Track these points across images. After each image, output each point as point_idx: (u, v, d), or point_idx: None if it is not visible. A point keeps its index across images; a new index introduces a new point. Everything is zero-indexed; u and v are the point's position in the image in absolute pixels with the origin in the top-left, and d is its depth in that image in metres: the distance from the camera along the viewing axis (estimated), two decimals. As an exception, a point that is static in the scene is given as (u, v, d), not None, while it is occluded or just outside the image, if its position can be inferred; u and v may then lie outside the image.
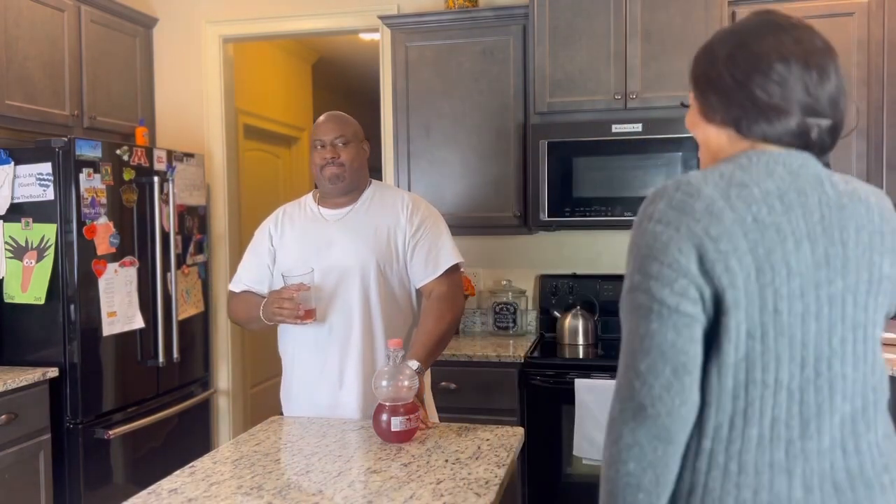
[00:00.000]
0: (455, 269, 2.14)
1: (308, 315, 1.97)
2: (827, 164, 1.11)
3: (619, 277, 3.45)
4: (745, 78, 1.08)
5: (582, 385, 2.78)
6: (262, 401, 4.63)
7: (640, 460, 1.01)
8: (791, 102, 1.07)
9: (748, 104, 1.08)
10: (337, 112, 2.21)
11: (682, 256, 1.00)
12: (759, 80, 1.07)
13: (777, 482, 1.00)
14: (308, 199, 2.25)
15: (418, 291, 2.16)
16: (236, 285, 2.26)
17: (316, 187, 2.25)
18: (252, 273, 2.23)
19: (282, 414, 2.18)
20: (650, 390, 1.00)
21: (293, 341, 2.14)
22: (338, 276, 2.07)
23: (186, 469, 1.62)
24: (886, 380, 1.11)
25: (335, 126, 2.13)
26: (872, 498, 1.03)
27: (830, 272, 1.03)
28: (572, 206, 3.06)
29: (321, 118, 2.18)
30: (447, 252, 2.13)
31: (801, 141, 1.08)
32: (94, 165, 2.99)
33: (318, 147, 2.13)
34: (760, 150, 1.09)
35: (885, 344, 3.05)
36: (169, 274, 3.39)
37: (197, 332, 3.68)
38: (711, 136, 1.15)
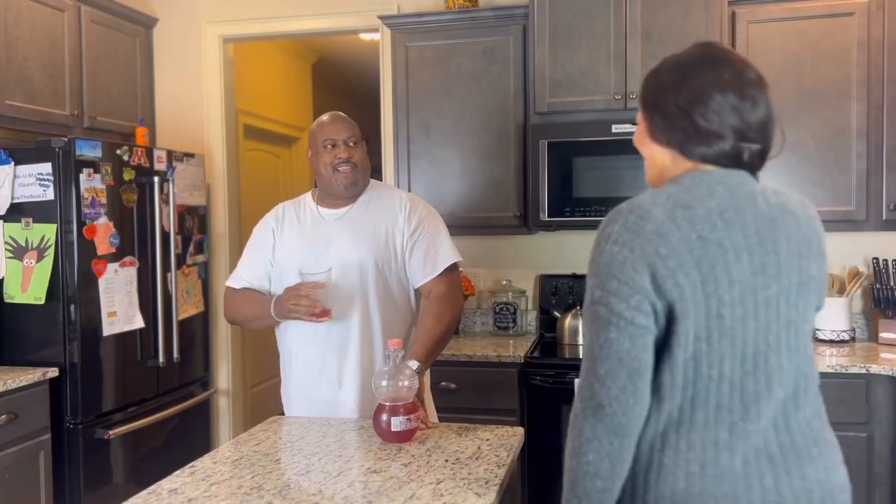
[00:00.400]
0: (454, 268, 2.14)
1: (324, 313, 1.96)
2: (756, 178, 1.30)
3: (619, 277, 3.46)
4: (688, 107, 1.24)
5: (582, 385, 2.78)
6: (262, 401, 4.63)
7: (598, 452, 1.17)
8: (726, 129, 1.23)
9: (690, 130, 1.24)
10: (339, 113, 2.19)
11: (637, 275, 1.16)
12: (701, 109, 1.23)
13: (721, 457, 1.17)
14: (307, 199, 2.23)
15: (417, 291, 2.15)
16: (236, 281, 2.22)
17: (315, 186, 2.24)
18: (254, 270, 2.20)
19: (282, 413, 2.18)
20: (608, 392, 1.16)
21: (292, 340, 2.14)
22: (336, 276, 2.07)
23: (186, 469, 1.62)
24: (815, 366, 1.29)
25: (346, 126, 2.12)
26: (802, 467, 1.20)
27: (766, 278, 1.20)
28: (572, 206, 3.05)
29: (326, 118, 2.16)
30: (445, 251, 2.13)
31: (735, 162, 1.25)
32: (94, 165, 2.99)
33: (329, 147, 2.10)
34: (702, 170, 1.25)
35: (884, 344, 3.02)
36: (169, 274, 3.39)
37: (197, 332, 3.68)
38: (657, 154, 1.31)
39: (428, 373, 2.17)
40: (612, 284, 1.18)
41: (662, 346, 1.18)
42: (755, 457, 1.18)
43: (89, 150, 2.98)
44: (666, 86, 1.28)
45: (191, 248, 3.61)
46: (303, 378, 2.12)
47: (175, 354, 3.41)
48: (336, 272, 2.07)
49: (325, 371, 2.09)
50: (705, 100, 1.23)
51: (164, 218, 3.36)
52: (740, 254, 1.18)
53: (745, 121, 1.24)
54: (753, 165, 1.28)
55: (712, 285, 1.16)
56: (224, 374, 3.99)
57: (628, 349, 1.16)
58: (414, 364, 1.89)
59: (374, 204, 2.16)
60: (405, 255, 2.11)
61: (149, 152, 3.31)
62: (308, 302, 1.94)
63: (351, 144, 2.10)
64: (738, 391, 1.18)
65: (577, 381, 1.24)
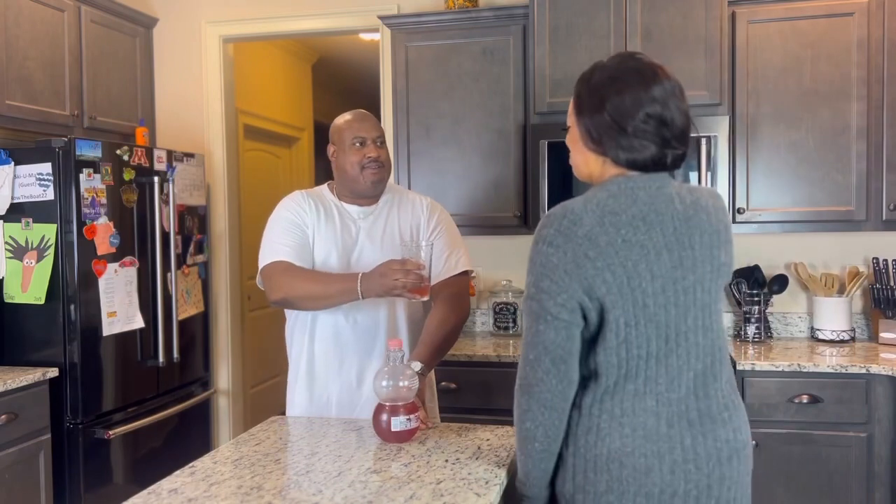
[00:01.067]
0: (464, 274, 2.15)
1: (423, 290, 1.85)
2: (673, 176, 1.48)
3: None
4: (620, 120, 1.40)
5: (582, 385, 2.78)
6: (262, 401, 4.63)
7: (533, 421, 1.40)
8: (652, 137, 1.40)
9: (621, 140, 1.41)
10: (364, 111, 2.16)
11: (567, 276, 1.36)
12: (631, 122, 1.40)
13: (649, 421, 1.38)
14: (326, 194, 2.16)
15: None
16: (278, 254, 2.00)
17: (330, 181, 2.20)
18: (299, 247, 2.03)
19: (282, 413, 2.17)
20: (535, 374, 1.38)
21: (314, 337, 2.11)
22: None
23: (186, 469, 1.62)
24: (727, 341, 1.54)
25: (374, 125, 2.10)
26: (715, 429, 1.42)
27: (683, 271, 1.40)
28: (572, 206, 3.05)
29: (352, 116, 2.11)
30: (458, 256, 2.14)
31: (659, 165, 1.43)
32: (94, 165, 2.99)
33: (357, 145, 2.06)
34: (627, 177, 1.42)
35: (884, 344, 3.03)
36: (169, 274, 3.39)
37: (197, 332, 3.68)
38: (590, 160, 1.47)
39: (433, 375, 2.17)
40: (544, 283, 1.38)
41: (597, 332, 1.39)
42: (677, 421, 1.39)
43: (89, 150, 2.98)
44: (599, 98, 1.43)
45: (191, 248, 3.61)
46: (318, 377, 2.11)
47: (175, 354, 3.41)
48: (365, 270, 2.01)
49: (343, 370, 2.08)
50: (634, 114, 1.39)
51: (164, 218, 3.36)
52: (660, 252, 1.38)
53: (669, 130, 1.41)
54: (674, 166, 1.46)
55: (636, 280, 1.36)
56: (224, 374, 3.99)
57: (553, 339, 1.37)
58: (417, 365, 1.88)
59: (396, 204, 2.17)
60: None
61: (149, 152, 3.31)
62: (416, 277, 1.79)
63: (378, 144, 2.08)
64: (664, 366, 1.39)
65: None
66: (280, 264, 1.99)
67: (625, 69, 1.45)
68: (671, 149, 1.42)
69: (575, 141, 1.50)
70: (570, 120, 1.50)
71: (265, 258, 2.03)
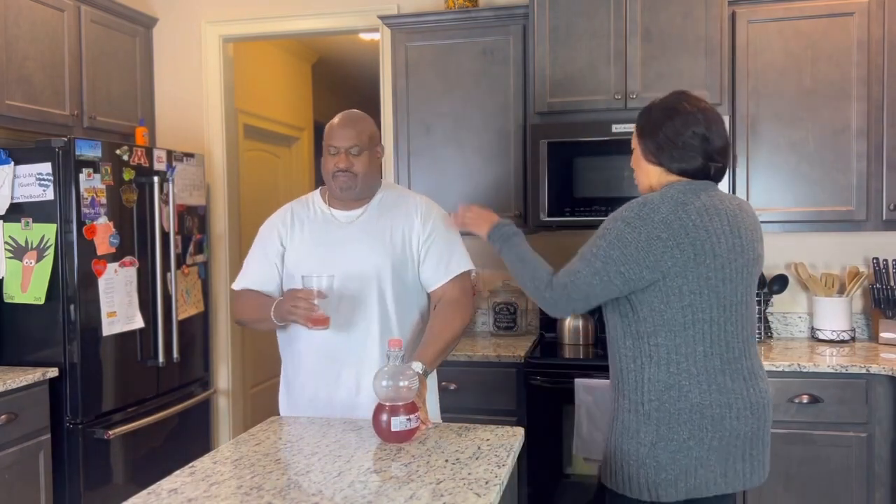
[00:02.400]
0: (466, 275, 2.12)
1: (322, 321, 1.92)
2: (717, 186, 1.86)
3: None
4: (673, 137, 1.80)
5: (582, 385, 2.78)
6: (262, 401, 4.63)
7: (532, 291, 1.89)
8: (698, 152, 1.80)
9: (674, 153, 1.81)
10: (353, 114, 2.11)
11: (636, 251, 1.72)
12: (681, 138, 1.79)
13: (718, 378, 1.74)
14: (316, 199, 2.19)
15: (429, 296, 2.14)
16: (239, 283, 2.20)
17: (323, 184, 2.21)
18: (258, 274, 2.16)
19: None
20: (569, 301, 1.81)
21: (306, 347, 2.10)
22: (353, 281, 2.04)
23: (186, 469, 1.62)
24: (756, 314, 2.06)
25: (350, 133, 2.05)
26: (758, 383, 1.80)
27: (735, 254, 1.76)
28: (572, 206, 3.05)
29: (336, 119, 2.09)
30: (459, 257, 2.11)
31: (704, 175, 1.82)
32: (93, 165, 2.99)
33: (331, 152, 2.06)
34: (686, 181, 1.81)
35: (884, 344, 3.03)
36: (169, 274, 3.39)
37: (197, 332, 3.68)
38: (650, 172, 1.86)
39: (435, 376, 2.16)
40: (614, 252, 1.73)
41: (667, 299, 1.73)
42: (738, 377, 1.76)
43: (89, 150, 2.98)
44: (657, 122, 1.83)
45: (191, 248, 3.61)
46: (319, 385, 2.09)
47: (175, 354, 3.41)
48: (352, 277, 2.04)
49: (342, 377, 2.06)
50: (684, 132, 1.79)
51: (164, 218, 3.36)
52: (720, 237, 1.74)
53: (710, 147, 1.80)
54: (717, 178, 1.85)
55: (702, 257, 1.71)
56: (224, 374, 3.99)
57: (598, 292, 1.77)
58: (418, 366, 1.88)
59: (388, 207, 2.13)
60: (420, 259, 2.09)
61: (149, 152, 3.31)
62: (307, 305, 1.89)
63: (354, 153, 2.04)
64: (723, 331, 1.74)
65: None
66: (239, 292, 2.20)
67: (675, 100, 1.84)
68: (713, 162, 1.81)
69: (638, 160, 1.89)
70: (634, 143, 1.90)
71: (235, 283, 2.24)
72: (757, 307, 3.29)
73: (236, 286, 2.21)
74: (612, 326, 1.85)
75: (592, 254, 1.76)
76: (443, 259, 2.09)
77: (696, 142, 1.78)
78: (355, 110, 2.15)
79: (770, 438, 1.85)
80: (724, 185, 2.91)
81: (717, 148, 1.80)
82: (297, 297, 1.92)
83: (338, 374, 2.07)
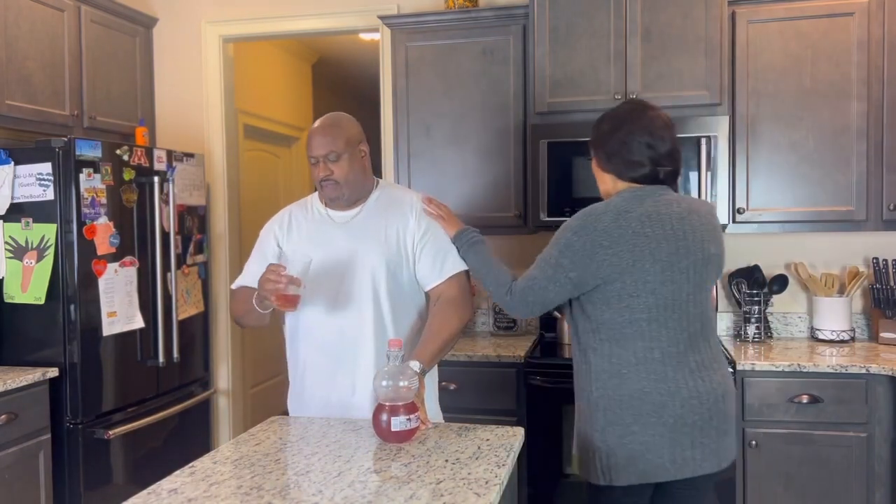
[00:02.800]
0: (465, 274, 2.12)
1: (291, 301, 1.92)
2: (675, 189, 2.01)
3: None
4: (620, 147, 1.94)
5: (582, 385, 2.77)
6: (262, 401, 4.63)
7: (493, 290, 2.07)
8: (645, 159, 1.93)
9: (622, 162, 1.95)
10: (329, 119, 2.09)
11: (580, 258, 1.87)
12: (627, 149, 1.94)
13: (660, 368, 1.87)
14: (314, 200, 2.19)
15: (426, 294, 2.14)
16: (236, 283, 2.22)
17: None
18: (255, 273, 2.13)
19: (283, 413, 2.17)
20: (524, 304, 1.99)
21: (305, 346, 2.11)
22: (348, 280, 2.05)
23: (186, 469, 1.62)
24: (714, 312, 2.04)
25: (325, 141, 2.04)
26: (711, 375, 1.91)
27: (679, 257, 1.87)
28: (572, 206, 3.05)
29: (312, 127, 2.09)
30: (455, 256, 2.11)
31: (654, 180, 1.94)
32: (94, 165, 2.99)
33: (312, 162, 2.06)
34: (635, 188, 1.94)
35: (884, 344, 3.04)
36: (169, 274, 3.39)
37: (197, 332, 3.68)
38: (605, 179, 2.01)
39: (434, 375, 2.16)
40: (564, 259, 1.90)
41: (608, 301, 1.88)
42: (680, 368, 1.87)
43: (89, 150, 2.98)
44: (606, 133, 1.98)
45: (191, 248, 3.61)
46: (316, 384, 2.09)
47: (175, 354, 3.41)
48: (347, 276, 2.05)
49: (337, 377, 2.06)
50: (629, 143, 1.93)
51: (164, 218, 3.36)
52: (661, 242, 1.86)
53: (656, 154, 1.93)
54: (668, 181, 1.97)
55: (640, 262, 1.84)
56: (224, 374, 3.99)
57: (551, 297, 1.95)
58: (416, 365, 1.88)
59: (383, 206, 2.13)
60: (416, 258, 2.09)
61: (149, 152, 3.31)
62: (275, 278, 1.87)
63: (332, 159, 2.03)
64: (664, 327, 1.87)
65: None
66: (235, 291, 2.23)
67: (623, 111, 1.99)
68: (661, 167, 1.94)
69: (596, 168, 2.03)
70: (592, 153, 2.04)
71: (233, 284, 2.26)
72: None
73: (234, 286, 2.23)
74: (570, 323, 2.04)
75: (546, 261, 1.94)
76: (438, 258, 2.08)
77: (641, 150, 1.92)
78: (332, 114, 2.13)
79: (732, 427, 1.94)
80: (724, 186, 2.93)
81: (664, 154, 1.93)
82: (268, 269, 1.91)
83: (333, 373, 2.07)
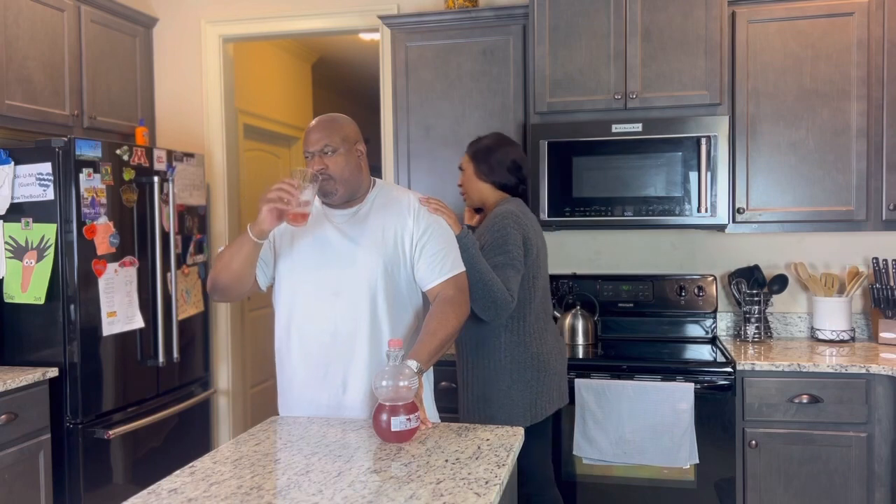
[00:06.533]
0: (463, 274, 2.12)
1: (300, 217, 1.91)
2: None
3: (620, 277, 3.46)
4: (497, 165, 2.52)
5: (582, 385, 2.79)
6: (262, 401, 4.63)
7: (502, 292, 2.30)
8: (514, 176, 2.53)
9: (501, 174, 2.52)
10: (325, 117, 2.11)
11: (520, 248, 2.38)
12: (505, 164, 2.52)
13: (547, 336, 2.50)
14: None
15: (425, 294, 2.14)
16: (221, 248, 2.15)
17: None
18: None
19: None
20: (514, 297, 2.33)
21: (297, 344, 2.10)
22: (344, 280, 2.04)
23: (186, 469, 1.62)
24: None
25: (320, 135, 2.04)
26: (560, 338, 2.66)
27: (543, 250, 2.53)
28: (572, 206, 3.06)
29: (310, 125, 2.10)
30: (455, 256, 2.11)
31: (518, 191, 2.56)
32: (94, 165, 2.99)
33: (307, 158, 2.07)
34: (511, 197, 2.53)
35: (884, 344, 3.04)
36: (169, 274, 3.39)
37: (197, 332, 3.68)
38: (483, 188, 2.56)
39: (431, 374, 2.16)
40: (516, 252, 2.35)
41: (522, 284, 2.40)
42: (552, 335, 2.52)
43: (89, 150, 2.98)
44: (489, 149, 2.53)
45: (191, 248, 3.61)
46: (306, 382, 2.08)
47: (175, 354, 3.41)
48: (343, 276, 2.04)
49: (329, 376, 2.05)
50: (506, 160, 2.52)
51: (164, 218, 3.36)
52: (537, 237, 2.47)
53: (521, 173, 2.55)
54: (524, 195, 2.59)
55: (532, 253, 2.42)
56: (224, 374, 3.99)
57: (518, 282, 2.35)
58: (414, 364, 1.88)
59: (381, 205, 2.12)
60: (414, 258, 2.08)
61: (149, 152, 3.31)
62: (289, 188, 1.86)
63: (328, 153, 2.03)
64: (541, 306, 2.49)
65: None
66: (218, 254, 2.13)
67: (498, 136, 2.59)
68: (522, 184, 2.56)
69: (470, 178, 2.56)
70: (465, 164, 2.56)
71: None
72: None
73: (219, 250, 2.15)
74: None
75: (508, 260, 2.33)
76: (437, 258, 2.08)
77: (514, 167, 2.52)
78: (330, 114, 2.14)
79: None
80: (724, 186, 2.93)
81: (525, 174, 2.56)
82: (280, 182, 1.89)
83: (325, 372, 2.05)
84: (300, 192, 1.89)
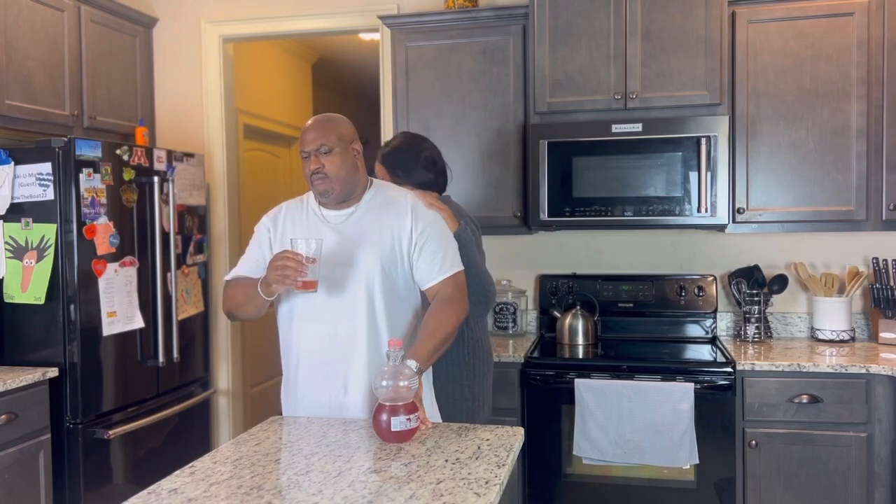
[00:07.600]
0: (461, 273, 2.12)
1: (309, 284, 1.89)
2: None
3: (620, 277, 3.46)
4: (411, 166, 2.47)
5: (582, 385, 2.78)
6: (262, 401, 4.63)
7: (492, 286, 2.43)
8: (430, 170, 2.49)
9: (417, 176, 2.47)
10: (321, 116, 2.11)
11: (477, 240, 2.50)
12: (417, 165, 2.47)
13: (486, 332, 2.55)
14: (310, 199, 2.19)
15: (423, 294, 2.14)
16: (230, 275, 2.20)
17: None
18: (249, 264, 2.16)
19: (282, 413, 2.17)
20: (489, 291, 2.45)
21: (297, 344, 2.11)
22: (342, 280, 2.04)
23: (186, 469, 1.62)
24: None
25: (316, 135, 2.04)
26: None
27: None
28: (572, 206, 3.06)
29: (306, 124, 2.10)
30: (453, 256, 2.11)
31: (437, 187, 2.52)
32: (94, 165, 2.99)
33: (303, 157, 2.07)
34: (442, 196, 2.50)
35: (884, 344, 3.04)
36: (169, 274, 3.39)
37: (197, 332, 3.68)
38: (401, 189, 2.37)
39: (430, 374, 2.16)
40: (479, 243, 2.46)
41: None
42: (486, 330, 2.56)
43: (89, 150, 2.98)
44: (399, 149, 2.49)
45: (191, 248, 3.61)
46: (308, 383, 2.09)
47: (175, 354, 3.41)
48: (340, 277, 2.05)
49: (329, 377, 2.06)
50: (417, 159, 2.48)
51: (164, 218, 3.36)
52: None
53: (437, 167, 2.52)
54: (443, 188, 2.55)
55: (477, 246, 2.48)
56: (224, 374, 3.99)
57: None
58: (413, 364, 1.88)
59: (378, 205, 2.12)
60: (412, 258, 2.08)
61: (149, 152, 3.31)
62: (295, 264, 1.86)
63: (324, 152, 2.03)
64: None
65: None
66: (228, 282, 2.18)
67: (411, 136, 2.56)
68: (440, 177, 2.53)
69: (385, 179, 2.42)
70: (380, 174, 2.47)
71: (226, 276, 2.23)
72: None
73: (228, 277, 2.20)
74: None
75: (480, 256, 2.42)
76: (436, 257, 2.08)
77: (428, 163, 2.49)
78: (326, 114, 2.14)
79: None
80: (724, 186, 2.93)
81: (441, 166, 2.53)
82: (285, 257, 1.88)
83: (326, 373, 2.06)
84: (306, 267, 1.88)
